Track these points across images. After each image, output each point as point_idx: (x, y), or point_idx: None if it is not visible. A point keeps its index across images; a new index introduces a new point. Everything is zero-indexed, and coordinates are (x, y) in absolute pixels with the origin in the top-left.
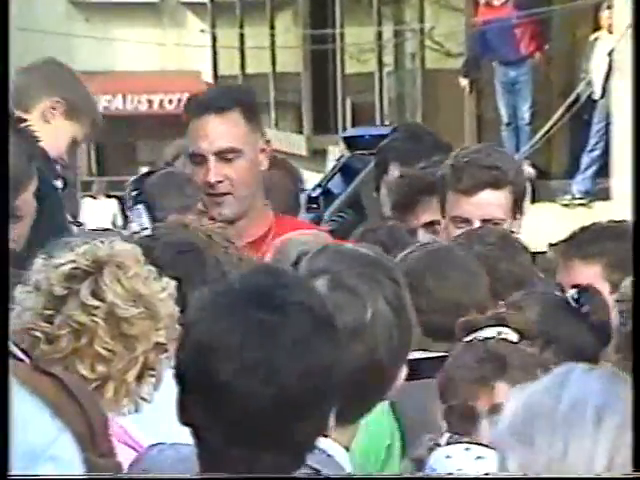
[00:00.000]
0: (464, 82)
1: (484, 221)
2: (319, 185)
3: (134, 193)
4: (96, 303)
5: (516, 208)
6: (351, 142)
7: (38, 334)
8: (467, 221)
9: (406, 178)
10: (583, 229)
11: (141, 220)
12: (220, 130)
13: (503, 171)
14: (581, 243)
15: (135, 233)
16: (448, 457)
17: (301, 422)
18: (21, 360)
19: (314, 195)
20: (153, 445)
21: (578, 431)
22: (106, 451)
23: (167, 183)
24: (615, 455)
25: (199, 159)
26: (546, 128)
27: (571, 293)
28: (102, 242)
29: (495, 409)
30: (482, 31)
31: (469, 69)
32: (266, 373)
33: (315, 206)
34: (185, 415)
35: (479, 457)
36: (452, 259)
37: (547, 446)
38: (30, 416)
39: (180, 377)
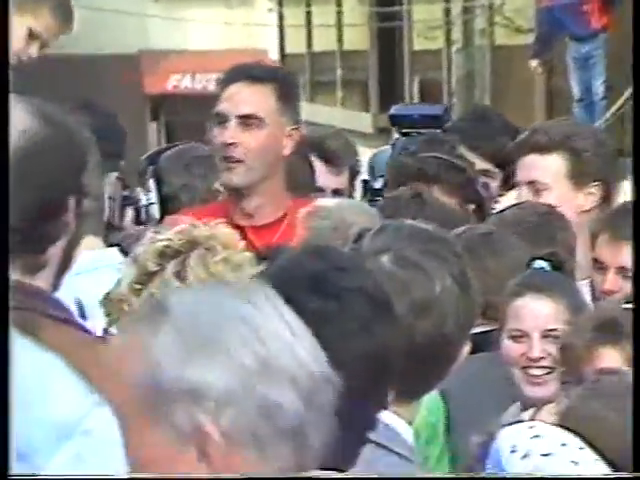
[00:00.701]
0: (534, 63)
1: (529, 183)
2: (381, 176)
3: (150, 167)
4: (177, 284)
5: (579, 178)
6: (398, 121)
7: (125, 306)
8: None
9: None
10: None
11: (149, 195)
12: (247, 96)
13: (550, 136)
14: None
15: (145, 206)
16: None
17: (361, 404)
18: (87, 332)
19: (377, 187)
20: None
21: None
22: None
23: (177, 160)
24: None
25: (221, 119)
26: (619, 103)
27: (540, 263)
28: (204, 224)
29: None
30: (550, 8)
31: (539, 49)
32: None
33: (378, 198)
34: None
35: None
36: (506, 241)
37: None
38: (63, 390)
39: None
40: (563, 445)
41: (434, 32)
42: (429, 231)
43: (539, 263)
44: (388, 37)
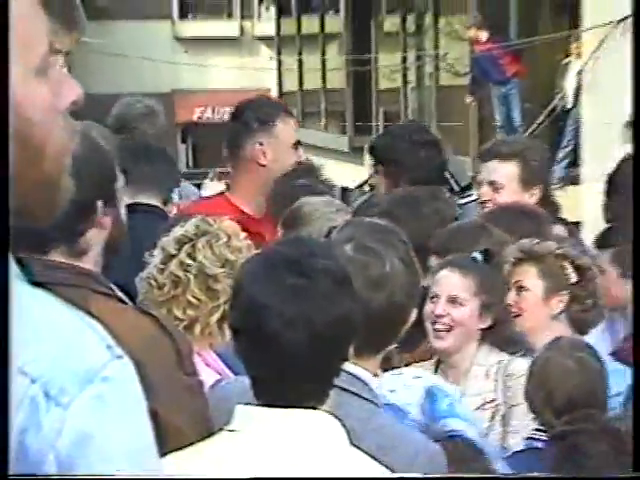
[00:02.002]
0: (469, 99)
1: (490, 183)
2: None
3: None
4: (189, 262)
5: (527, 182)
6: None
7: (152, 282)
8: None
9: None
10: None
11: None
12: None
13: (510, 147)
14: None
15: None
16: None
17: (328, 357)
18: (124, 303)
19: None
20: (221, 379)
21: None
22: (190, 371)
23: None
24: None
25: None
26: (531, 130)
27: (475, 254)
28: (214, 219)
29: None
30: (478, 59)
31: (473, 89)
32: (299, 324)
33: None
34: (240, 357)
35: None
36: None
37: None
38: (86, 340)
39: (232, 328)
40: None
41: (395, 75)
42: (381, 225)
43: (475, 254)
44: (360, 78)
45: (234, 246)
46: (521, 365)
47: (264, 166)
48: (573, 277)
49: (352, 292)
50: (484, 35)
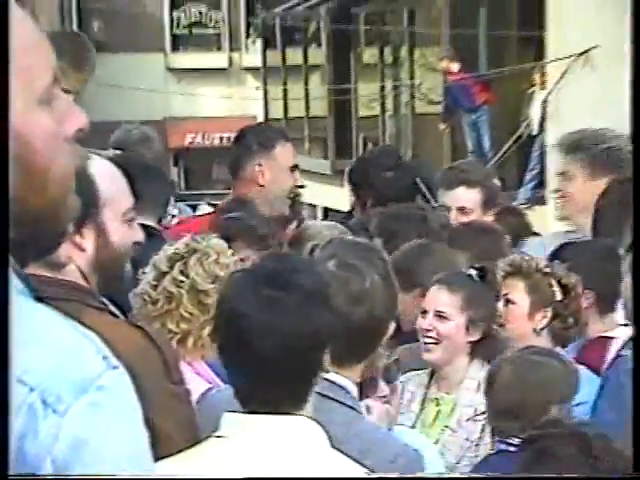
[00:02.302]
0: (442, 126)
1: (459, 208)
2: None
3: None
4: (182, 278)
5: (487, 205)
6: None
7: (146, 297)
8: (448, 209)
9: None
10: None
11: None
12: None
13: (475, 175)
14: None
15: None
16: None
17: (300, 367)
18: (116, 316)
19: None
20: (211, 387)
21: None
22: (177, 380)
23: None
24: None
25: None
26: (500, 154)
27: (471, 271)
28: (203, 237)
29: None
30: (449, 88)
31: (445, 116)
32: (272, 333)
33: None
34: (223, 366)
35: None
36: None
37: None
38: (81, 353)
39: (215, 337)
40: None
41: (373, 103)
42: (362, 243)
43: (470, 270)
44: (341, 106)
45: (223, 263)
46: None
47: (262, 186)
48: (558, 295)
49: (328, 307)
50: (456, 66)
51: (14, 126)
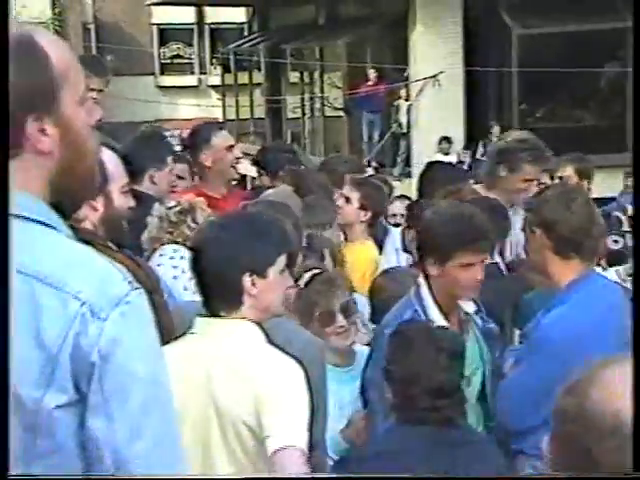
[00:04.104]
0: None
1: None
2: None
3: None
4: (193, 225)
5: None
6: None
7: (164, 239)
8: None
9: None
10: None
11: None
12: None
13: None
14: None
15: None
16: None
17: (230, 277)
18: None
19: None
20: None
21: None
22: (161, 294)
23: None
24: None
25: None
26: (381, 144)
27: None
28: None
29: None
30: (359, 97)
31: (348, 113)
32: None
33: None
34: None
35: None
36: None
37: None
38: (113, 276)
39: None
40: None
41: (296, 109)
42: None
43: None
44: (275, 111)
45: (208, 213)
46: None
47: (210, 168)
48: None
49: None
50: (374, 76)
51: (67, 119)
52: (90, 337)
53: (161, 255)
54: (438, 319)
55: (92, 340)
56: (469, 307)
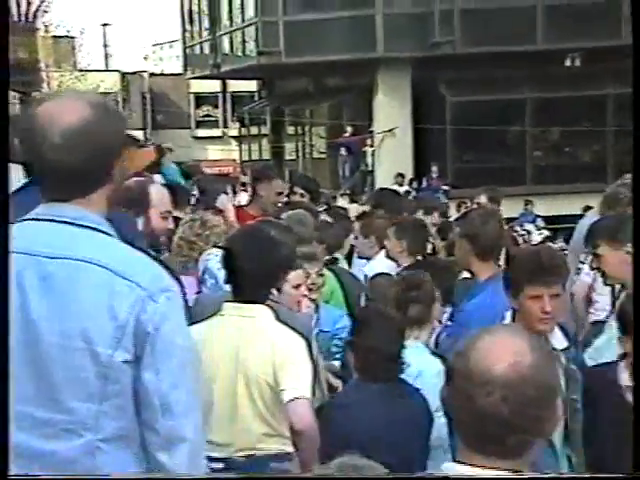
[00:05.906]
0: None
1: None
2: None
3: None
4: (205, 236)
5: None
6: None
7: (184, 247)
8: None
9: None
10: None
11: None
12: None
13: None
14: None
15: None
16: None
17: (266, 281)
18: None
19: None
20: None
21: None
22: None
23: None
24: None
25: None
26: (353, 179)
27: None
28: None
29: None
30: (339, 143)
31: (330, 156)
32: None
33: None
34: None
35: None
36: None
37: None
38: (158, 269)
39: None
40: None
41: (292, 152)
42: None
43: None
44: (278, 153)
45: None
46: None
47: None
48: None
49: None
50: (350, 130)
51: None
52: (148, 314)
53: (209, 254)
54: None
55: (149, 316)
56: (559, 343)
